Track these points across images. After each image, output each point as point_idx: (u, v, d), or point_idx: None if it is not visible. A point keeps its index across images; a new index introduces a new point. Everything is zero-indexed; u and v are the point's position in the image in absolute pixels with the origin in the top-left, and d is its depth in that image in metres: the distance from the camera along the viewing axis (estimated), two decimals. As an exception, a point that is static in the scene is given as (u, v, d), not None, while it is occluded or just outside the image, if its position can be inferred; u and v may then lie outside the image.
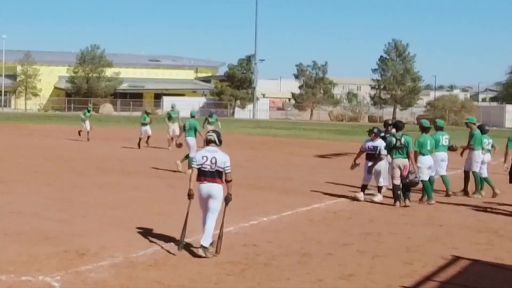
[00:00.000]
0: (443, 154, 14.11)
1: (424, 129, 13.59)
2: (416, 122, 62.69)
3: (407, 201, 12.83)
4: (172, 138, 25.06)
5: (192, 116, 18.96)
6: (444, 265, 8.27)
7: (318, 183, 15.93)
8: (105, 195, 13.25)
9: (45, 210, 11.32)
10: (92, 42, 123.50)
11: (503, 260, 8.62)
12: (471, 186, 14.53)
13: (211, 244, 8.46)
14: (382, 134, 13.73)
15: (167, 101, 77.00)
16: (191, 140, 17.88)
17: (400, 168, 12.77)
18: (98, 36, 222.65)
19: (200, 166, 8.54)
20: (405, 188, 12.84)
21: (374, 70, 78.73)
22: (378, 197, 13.24)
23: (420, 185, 13.18)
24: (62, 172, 17.13)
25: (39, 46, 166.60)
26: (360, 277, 7.62)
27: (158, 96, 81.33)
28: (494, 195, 14.09)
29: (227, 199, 8.56)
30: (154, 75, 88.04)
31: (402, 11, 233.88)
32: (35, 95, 78.05)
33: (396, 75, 76.61)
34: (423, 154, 13.25)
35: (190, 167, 13.37)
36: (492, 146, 14.79)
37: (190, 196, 8.64)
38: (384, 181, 13.80)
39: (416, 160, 13.05)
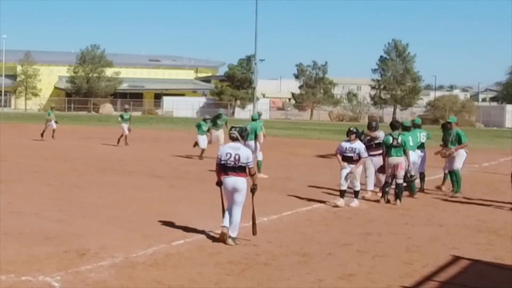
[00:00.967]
0: (421, 151, 14.73)
1: (405, 128, 14.07)
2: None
3: (397, 201, 12.91)
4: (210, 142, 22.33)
5: (254, 120, 18.00)
6: (444, 265, 8.27)
7: (318, 183, 15.92)
8: (105, 195, 13.25)
9: (45, 210, 11.32)
10: (92, 42, 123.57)
11: (503, 260, 8.62)
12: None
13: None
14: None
15: (167, 101, 77.15)
16: (252, 143, 17.04)
17: (394, 167, 12.96)
18: (98, 36, 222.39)
19: (224, 162, 9.04)
20: (406, 186, 13.12)
21: (374, 70, 78.85)
22: (355, 203, 12.54)
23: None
24: (62, 172, 17.13)
25: (39, 46, 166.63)
26: (360, 277, 7.62)
27: (158, 96, 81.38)
28: (439, 188, 14.89)
29: (253, 190, 9.12)
30: (154, 75, 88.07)
31: (402, 11, 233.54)
32: (35, 95, 78.09)
33: (396, 75, 76.67)
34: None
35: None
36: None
37: (218, 184, 9.24)
38: (368, 186, 13.61)
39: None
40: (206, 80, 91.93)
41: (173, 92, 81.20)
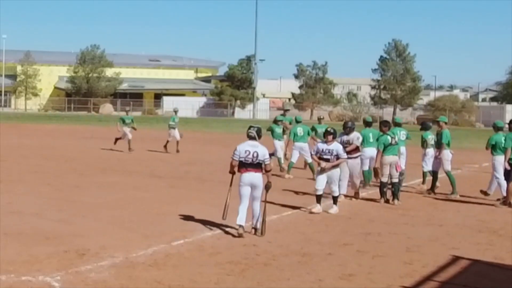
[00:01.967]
0: (401, 149, 14.55)
1: (367, 124, 14.96)
2: (416, 122, 62.78)
3: (395, 200, 12.94)
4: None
5: (299, 121, 17.52)
6: (444, 265, 8.27)
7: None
8: (105, 195, 13.25)
9: (45, 210, 11.32)
10: (92, 42, 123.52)
11: (503, 260, 8.62)
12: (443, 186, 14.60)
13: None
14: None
15: (167, 101, 77.08)
16: (305, 145, 16.93)
17: (391, 165, 12.97)
18: (98, 36, 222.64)
19: (243, 159, 9.65)
20: (397, 185, 13.06)
21: (374, 70, 78.71)
22: (334, 209, 11.76)
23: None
24: (62, 172, 17.13)
25: (39, 46, 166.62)
26: (360, 277, 7.62)
27: (158, 96, 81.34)
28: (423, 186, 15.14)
29: (267, 187, 9.70)
30: (154, 75, 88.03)
31: (402, 11, 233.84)
32: (35, 95, 78.03)
33: (396, 75, 76.58)
34: (364, 147, 14.36)
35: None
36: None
37: (231, 172, 9.84)
38: (341, 189, 12.76)
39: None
40: (206, 80, 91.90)
41: (173, 92, 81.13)
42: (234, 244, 9.10)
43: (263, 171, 9.71)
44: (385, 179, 13.05)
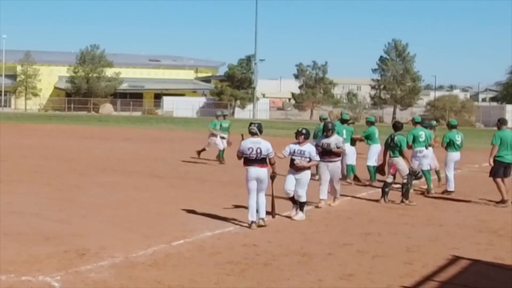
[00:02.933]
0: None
1: (343, 121, 16.14)
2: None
3: (405, 200, 12.95)
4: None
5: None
6: (444, 265, 8.27)
7: (318, 183, 15.90)
8: (105, 195, 13.25)
9: (45, 210, 11.32)
10: (92, 42, 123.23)
11: (503, 260, 8.62)
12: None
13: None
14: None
15: (167, 101, 77.10)
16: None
17: (389, 166, 13.05)
18: (98, 36, 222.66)
19: (247, 155, 10.13)
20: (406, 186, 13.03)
21: (374, 70, 78.71)
22: (299, 215, 11.01)
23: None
24: (62, 172, 17.13)
25: (39, 46, 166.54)
26: (360, 277, 7.62)
27: (158, 96, 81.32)
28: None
29: (272, 177, 10.30)
30: (154, 75, 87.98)
31: (402, 11, 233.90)
32: (35, 95, 77.97)
33: (396, 75, 76.57)
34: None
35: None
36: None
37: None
38: (321, 194, 12.25)
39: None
40: (206, 80, 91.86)
41: (173, 92, 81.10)
42: (234, 244, 9.10)
43: (267, 165, 10.20)
44: (389, 179, 12.95)
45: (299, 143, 11.11)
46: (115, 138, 32.65)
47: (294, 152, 11.05)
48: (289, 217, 11.04)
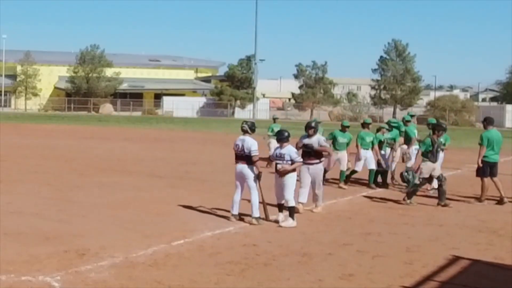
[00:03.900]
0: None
1: (365, 125, 15.88)
2: (416, 122, 62.73)
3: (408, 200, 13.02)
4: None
5: (408, 121, 16.27)
6: (444, 265, 8.27)
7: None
8: (105, 195, 13.25)
9: (45, 210, 11.32)
10: (92, 42, 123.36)
11: (503, 260, 8.62)
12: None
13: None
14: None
15: (167, 101, 77.10)
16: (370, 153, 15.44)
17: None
18: (98, 36, 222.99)
19: (235, 152, 10.47)
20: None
21: (374, 70, 78.78)
22: (289, 222, 10.39)
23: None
24: (62, 172, 17.13)
25: (39, 46, 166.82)
26: (360, 277, 7.61)
27: (158, 96, 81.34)
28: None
29: (257, 177, 10.38)
30: (154, 75, 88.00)
31: (402, 11, 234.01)
32: (35, 95, 77.99)
33: (396, 75, 76.61)
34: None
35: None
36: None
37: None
38: (301, 197, 11.56)
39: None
40: (206, 80, 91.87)
41: (173, 92, 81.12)
42: (234, 244, 9.10)
43: (251, 163, 10.31)
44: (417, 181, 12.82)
45: (280, 146, 10.71)
46: (115, 138, 32.67)
47: (275, 156, 10.69)
48: (277, 221, 10.43)
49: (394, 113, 75.40)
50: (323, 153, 12.00)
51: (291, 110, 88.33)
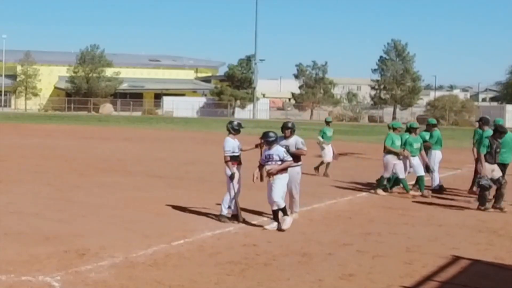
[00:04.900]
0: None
1: (411, 129, 14.51)
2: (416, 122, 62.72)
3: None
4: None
5: (434, 125, 15.26)
6: (444, 265, 8.26)
7: (319, 183, 15.92)
8: (105, 195, 13.25)
9: (45, 210, 11.31)
10: (92, 42, 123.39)
11: (503, 260, 8.62)
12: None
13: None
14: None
15: (167, 101, 77.11)
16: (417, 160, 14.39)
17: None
18: (98, 36, 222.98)
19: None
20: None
21: (374, 70, 78.86)
22: (287, 222, 10.04)
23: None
24: (62, 172, 17.13)
25: (39, 46, 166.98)
26: (360, 277, 7.61)
27: (158, 96, 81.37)
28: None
29: (230, 177, 10.53)
30: (154, 75, 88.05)
31: (402, 11, 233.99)
32: (35, 95, 78.05)
33: (396, 75, 76.66)
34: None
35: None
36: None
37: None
38: (296, 208, 10.95)
39: None
40: (206, 80, 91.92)
41: (173, 92, 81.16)
42: (234, 244, 9.10)
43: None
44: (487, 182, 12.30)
45: (268, 148, 10.23)
46: (115, 138, 32.67)
47: (265, 158, 10.22)
48: (281, 230, 9.93)
49: (394, 113, 75.45)
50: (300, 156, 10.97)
51: (291, 110, 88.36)
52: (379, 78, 78.31)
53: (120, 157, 21.99)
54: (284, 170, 10.16)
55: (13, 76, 79.01)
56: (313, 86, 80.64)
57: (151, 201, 12.55)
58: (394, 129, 14.43)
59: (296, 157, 10.74)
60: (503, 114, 66.92)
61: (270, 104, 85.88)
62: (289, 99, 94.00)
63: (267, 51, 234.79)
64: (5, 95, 79.32)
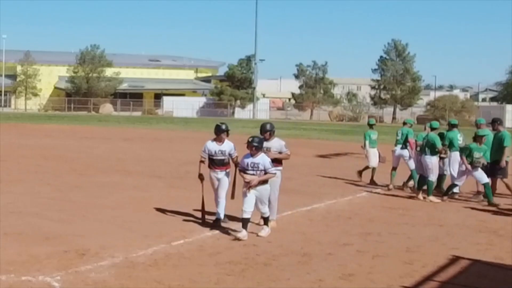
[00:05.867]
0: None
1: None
2: (416, 122, 62.77)
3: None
4: None
5: (435, 128, 14.47)
6: (444, 265, 8.27)
7: (318, 183, 15.92)
8: (105, 195, 13.25)
9: (45, 210, 11.32)
10: (92, 42, 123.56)
11: (503, 260, 8.62)
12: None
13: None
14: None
15: (167, 101, 77.09)
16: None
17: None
18: (98, 36, 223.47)
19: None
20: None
21: (374, 70, 78.80)
22: (265, 231, 9.67)
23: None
24: (62, 172, 17.13)
25: (39, 46, 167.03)
26: (360, 277, 7.61)
27: (158, 96, 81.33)
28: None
29: (199, 178, 11.01)
30: (154, 75, 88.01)
31: (402, 11, 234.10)
32: (35, 95, 78.00)
33: (396, 75, 76.62)
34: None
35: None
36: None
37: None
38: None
39: None
40: (206, 80, 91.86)
41: (173, 92, 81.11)
42: (234, 244, 9.10)
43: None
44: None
45: (251, 154, 9.61)
46: (115, 138, 32.65)
47: (247, 165, 9.57)
48: (237, 237, 9.35)
49: (394, 113, 75.42)
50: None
51: (291, 110, 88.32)
52: (379, 78, 78.28)
53: (120, 157, 21.98)
54: (265, 181, 9.58)
55: (13, 76, 78.97)
56: (313, 86, 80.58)
57: (151, 201, 12.55)
58: (433, 129, 14.26)
59: (278, 161, 10.21)
60: (503, 114, 66.87)
61: (270, 104, 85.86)
62: (289, 99, 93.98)
63: (267, 51, 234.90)
64: (5, 95, 79.28)
